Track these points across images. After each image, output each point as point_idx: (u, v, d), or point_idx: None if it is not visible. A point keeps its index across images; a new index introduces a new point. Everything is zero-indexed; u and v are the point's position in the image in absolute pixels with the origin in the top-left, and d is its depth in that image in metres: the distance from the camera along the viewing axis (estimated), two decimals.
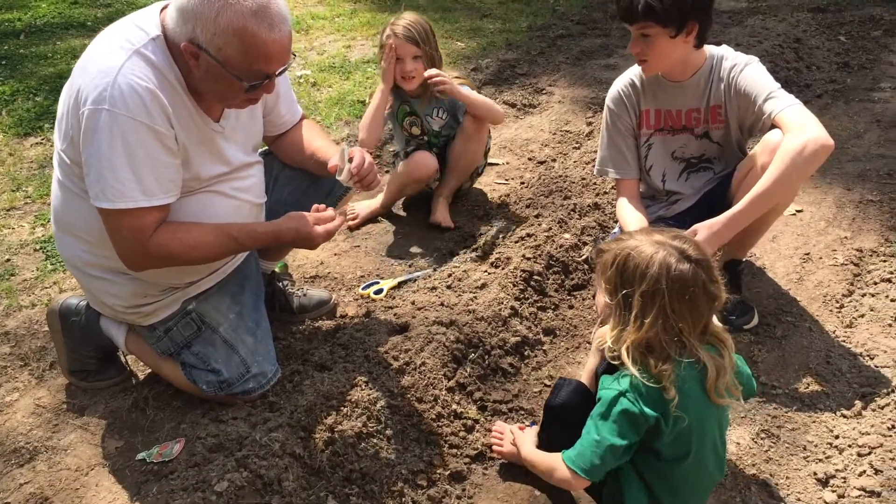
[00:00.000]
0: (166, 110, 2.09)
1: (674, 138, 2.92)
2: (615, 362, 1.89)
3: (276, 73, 2.12)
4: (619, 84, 2.94)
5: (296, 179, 2.70)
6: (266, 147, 2.72)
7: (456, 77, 3.57)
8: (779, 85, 2.68)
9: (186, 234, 2.22)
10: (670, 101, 2.86)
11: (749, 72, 2.71)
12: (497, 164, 4.11)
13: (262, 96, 2.25)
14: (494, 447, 2.37)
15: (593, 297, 2.89)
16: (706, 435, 1.92)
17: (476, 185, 3.84)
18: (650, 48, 2.64)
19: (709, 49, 2.80)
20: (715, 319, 1.91)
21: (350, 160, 2.38)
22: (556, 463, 2.00)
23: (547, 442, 2.16)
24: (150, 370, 2.66)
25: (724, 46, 2.84)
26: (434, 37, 3.49)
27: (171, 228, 2.19)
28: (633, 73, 2.90)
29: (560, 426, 2.12)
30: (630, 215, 2.85)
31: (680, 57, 2.71)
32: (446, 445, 2.36)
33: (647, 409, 1.82)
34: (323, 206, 2.42)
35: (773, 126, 2.61)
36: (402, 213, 3.76)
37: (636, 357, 1.84)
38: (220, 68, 2.04)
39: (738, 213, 2.51)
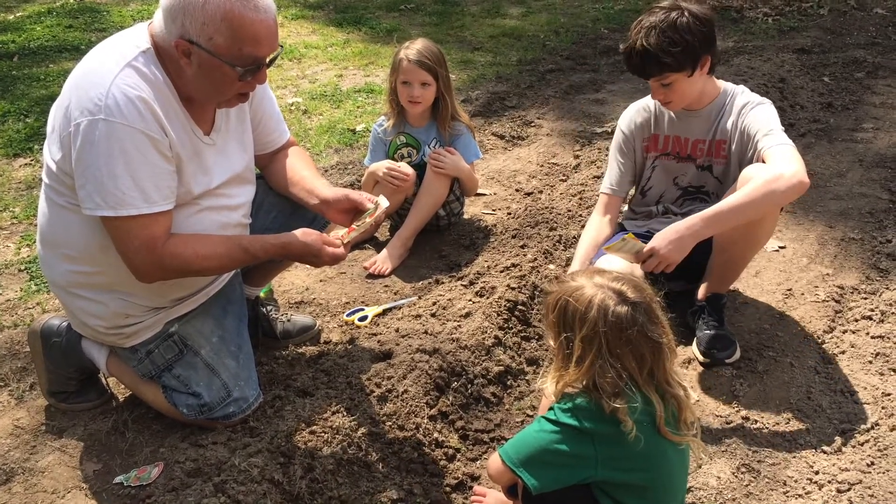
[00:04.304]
0: (160, 119, 2.13)
1: (677, 165, 2.99)
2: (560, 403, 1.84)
3: (266, 59, 2.18)
4: (633, 109, 3.04)
5: (279, 205, 2.70)
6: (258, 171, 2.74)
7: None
8: (781, 127, 2.73)
9: (199, 243, 2.25)
10: (681, 128, 2.95)
11: (758, 111, 2.78)
12: (484, 195, 4.14)
13: (254, 88, 2.29)
14: None
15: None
16: (672, 475, 1.88)
17: (464, 215, 3.87)
18: (672, 92, 2.76)
19: (724, 84, 2.89)
20: (675, 370, 1.86)
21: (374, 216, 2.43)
22: (493, 457, 1.97)
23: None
24: (130, 393, 2.65)
25: (742, 86, 2.91)
26: (445, 64, 3.55)
27: (183, 238, 2.23)
28: (650, 99, 2.98)
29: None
30: (584, 239, 2.98)
31: (699, 88, 2.81)
32: (427, 474, 2.35)
33: (587, 423, 1.78)
34: (337, 233, 2.44)
35: (761, 161, 2.65)
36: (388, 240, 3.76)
37: (590, 396, 1.79)
38: (213, 58, 2.09)
39: (700, 220, 2.52)
